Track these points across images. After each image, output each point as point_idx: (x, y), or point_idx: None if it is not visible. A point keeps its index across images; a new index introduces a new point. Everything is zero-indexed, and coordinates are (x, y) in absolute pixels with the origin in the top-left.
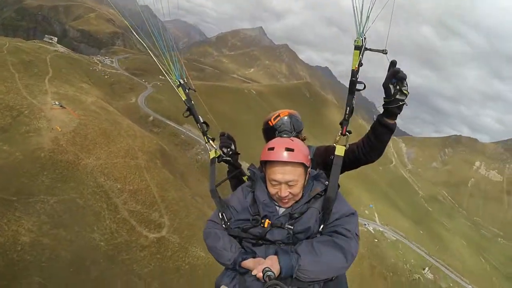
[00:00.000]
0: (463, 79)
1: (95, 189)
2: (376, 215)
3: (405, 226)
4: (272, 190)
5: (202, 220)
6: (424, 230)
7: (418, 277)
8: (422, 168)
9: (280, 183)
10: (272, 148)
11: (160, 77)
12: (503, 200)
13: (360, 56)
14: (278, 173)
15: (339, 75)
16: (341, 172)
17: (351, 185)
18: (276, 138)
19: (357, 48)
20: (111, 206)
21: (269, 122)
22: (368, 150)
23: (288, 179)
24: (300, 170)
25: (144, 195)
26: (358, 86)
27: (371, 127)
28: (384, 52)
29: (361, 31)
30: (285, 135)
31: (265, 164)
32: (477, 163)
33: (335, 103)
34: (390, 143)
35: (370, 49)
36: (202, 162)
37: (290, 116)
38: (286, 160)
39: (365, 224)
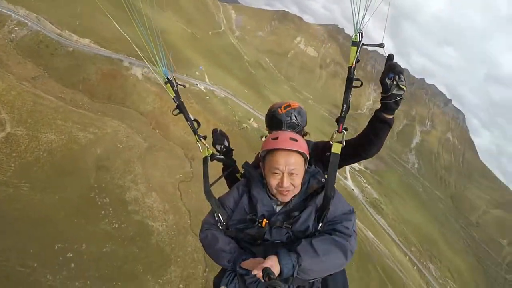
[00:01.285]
0: None
1: None
2: (206, 76)
3: (232, 85)
4: (273, 181)
5: (39, 104)
6: (249, 89)
7: (246, 126)
8: (249, 35)
9: (282, 172)
10: (276, 138)
11: None
12: (316, 72)
13: (357, 52)
14: (282, 162)
15: None
16: (341, 166)
17: (183, 47)
18: (279, 131)
19: (355, 44)
20: None
21: (279, 110)
22: (366, 146)
23: (291, 167)
24: (301, 161)
25: None
26: (355, 83)
27: (369, 122)
28: (381, 46)
29: (358, 27)
30: (291, 129)
31: (265, 155)
32: (298, 38)
33: None
34: (220, 9)
35: (367, 44)
36: (18, 40)
37: (299, 110)
38: (291, 148)
39: (197, 84)
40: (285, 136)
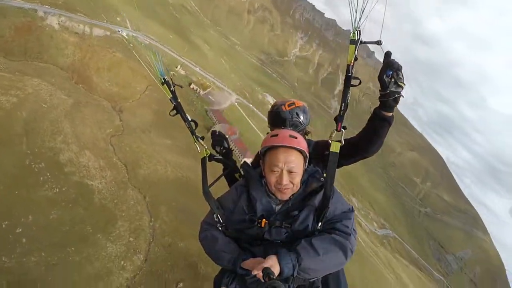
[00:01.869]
0: None
1: None
2: (128, 21)
3: (157, 31)
4: (272, 179)
5: None
6: (174, 35)
7: (173, 73)
8: None
9: (281, 169)
10: (276, 135)
11: None
12: (243, 17)
13: (356, 50)
14: (281, 159)
15: None
16: (342, 166)
17: None
18: (279, 129)
19: (353, 42)
20: None
21: (283, 107)
22: (366, 144)
23: (290, 165)
24: (301, 159)
25: None
26: (353, 82)
27: (368, 121)
28: (378, 43)
29: (355, 25)
30: (294, 127)
31: (265, 152)
32: None
33: None
34: None
35: (365, 42)
36: None
37: (304, 108)
38: (290, 145)
39: (119, 31)
40: (285, 133)
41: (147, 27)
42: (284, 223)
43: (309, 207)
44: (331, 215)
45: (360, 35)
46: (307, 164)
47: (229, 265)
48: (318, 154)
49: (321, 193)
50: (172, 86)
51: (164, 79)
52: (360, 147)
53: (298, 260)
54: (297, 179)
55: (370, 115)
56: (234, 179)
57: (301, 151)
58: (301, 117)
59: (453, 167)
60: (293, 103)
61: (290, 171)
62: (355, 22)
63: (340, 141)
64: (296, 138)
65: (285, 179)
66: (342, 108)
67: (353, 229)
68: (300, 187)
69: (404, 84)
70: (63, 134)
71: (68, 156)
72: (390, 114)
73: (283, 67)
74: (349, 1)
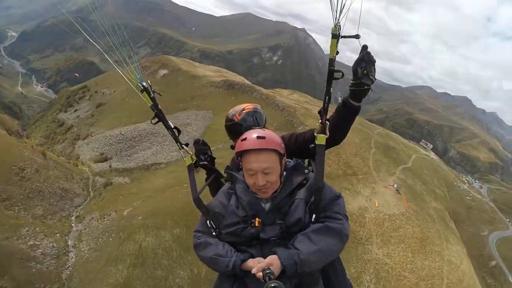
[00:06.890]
0: None
1: None
2: None
3: None
4: (250, 181)
5: None
6: None
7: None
8: None
9: (256, 172)
10: (244, 139)
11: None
12: None
13: (337, 44)
14: (253, 162)
15: None
16: (306, 158)
17: None
18: (248, 130)
19: (334, 36)
20: None
21: (234, 118)
22: (333, 131)
23: (263, 166)
24: (274, 157)
25: None
26: (336, 75)
27: (336, 109)
28: (356, 37)
29: (336, 21)
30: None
31: (240, 156)
32: None
33: None
34: None
35: (344, 36)
36: None
37: (254, 111)
38: (259, 148)
39: None
40: (252, 135)
41: None
42: (277, 220)
43: (298, 201)
44: (323, 205)
45: (340, 29)
46: (285, 158)
47: (228, 268)
48: (292, 148)
49: (308, 185)
50: (151, 93)
51: (143, 86)
52: (328, 135)
53: (299, 256)
54: (274, 177)
55: (338, 105)
56: (219, 186)
57: (272, 150)
58: (253, 120)
59: None
60: (243, 109)
61: (264, 172)
62: (336, 18)
63: (325, 134)
64: (264, 138)
65: (261, 181)
66: (326, 101)
67: (345, 214)
68: (284, 182)
69: (375, 79)
70: None
71: None
72: (358, 104)
73: None
74: None
